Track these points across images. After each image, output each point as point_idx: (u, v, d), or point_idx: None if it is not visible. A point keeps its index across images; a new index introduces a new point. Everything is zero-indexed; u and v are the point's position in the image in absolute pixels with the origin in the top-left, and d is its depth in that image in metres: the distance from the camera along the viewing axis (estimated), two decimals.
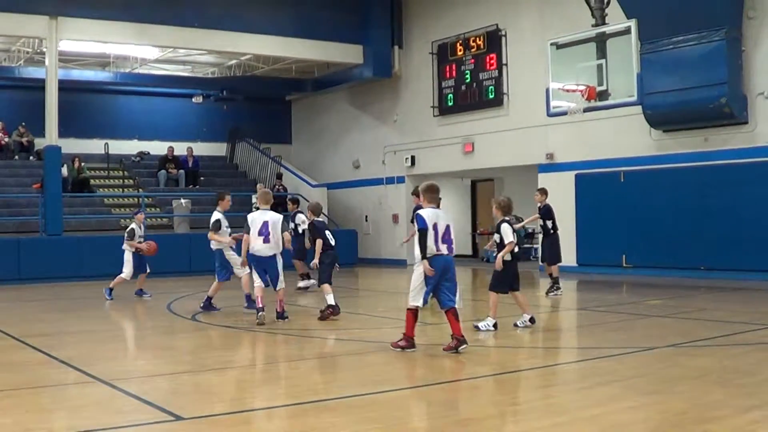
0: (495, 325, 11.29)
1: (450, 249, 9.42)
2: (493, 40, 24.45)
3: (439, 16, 26.41)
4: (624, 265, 20.50)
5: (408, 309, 9.56)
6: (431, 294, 9.60)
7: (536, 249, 26.03)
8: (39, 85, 23.36)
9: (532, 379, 8.29)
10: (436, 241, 9.27)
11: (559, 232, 16.34)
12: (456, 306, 9.55)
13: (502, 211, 11.43)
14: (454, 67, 25.80)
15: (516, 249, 11.31)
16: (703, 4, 17.79)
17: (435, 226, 9.29)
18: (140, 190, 27.65)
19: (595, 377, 8.19)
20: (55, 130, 22.28)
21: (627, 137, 20.60)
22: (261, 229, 12.21)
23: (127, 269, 16.63)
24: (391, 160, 28.29)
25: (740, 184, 17.65)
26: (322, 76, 29.85)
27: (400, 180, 27.93)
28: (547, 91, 18.34)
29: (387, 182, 28.32)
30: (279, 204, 27.93)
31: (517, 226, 15.98)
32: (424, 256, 9.25)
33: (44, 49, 23.04)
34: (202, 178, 29.41)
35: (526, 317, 11.61)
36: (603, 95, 17.27)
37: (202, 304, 14.11)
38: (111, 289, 16.35)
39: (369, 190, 28.75)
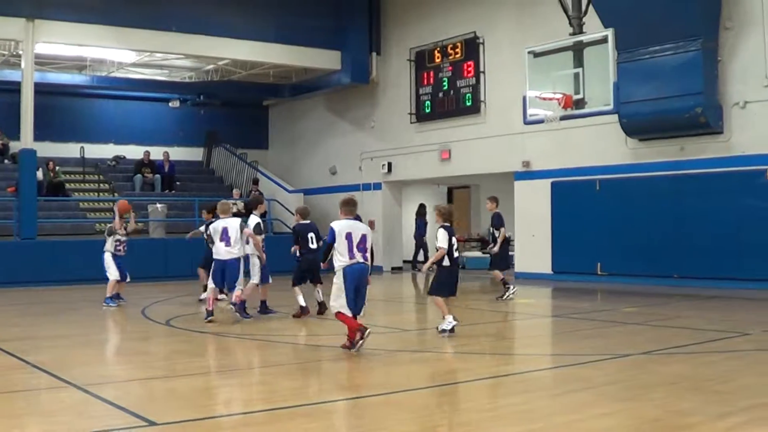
0: (453, 321, 11.42)
1: (365, 257, 9.83)
2: (471, 47, 24.53)
3: (417, 23, 26.46)
4: (599, 272, 20.58)
5: (336, 314, 9.94)
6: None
7: (512, 256, 26.13)
8: (15, 88, 23.22)
9: (506, 385, 8.30)
10: (350, 249, 9.70)
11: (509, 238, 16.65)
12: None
13: (442, 218, 11.67)
14: (431, 74, 25.86)
15: (456, 254, 11.50)
16: (679, 15, 17.91)
17: (349, 236, 9.73)
18: (116, 194, 27.49)
19: (569, 384, 8.21)
20: (31, 133, 22.13)
21: (603, 146, 20.72)
22: (222, 235, 12.85)
23: (112, 271, 16.33)
24: (367, 166, 28.31)
25: (715, 193, 17.77)
26: (299, 81, 29.82)
27: (377, 186, 27.94)
28: (524, 99, 18.39)
29: (364, 189, 28.31)
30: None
31: (495, 250, 16.30)
32: (337, 265, 9.79)
33: (20, 52, 22.91)
34: (178, 183, 29.29)
35: (449, 320, 11.48)
36: (579, 104, 17.32)
37: (259, 311, 13.97)
38: (111, 297, 16.01)
39: (345, 196, 28.69)
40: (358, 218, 10.80)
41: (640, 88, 18.59)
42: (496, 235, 16.67)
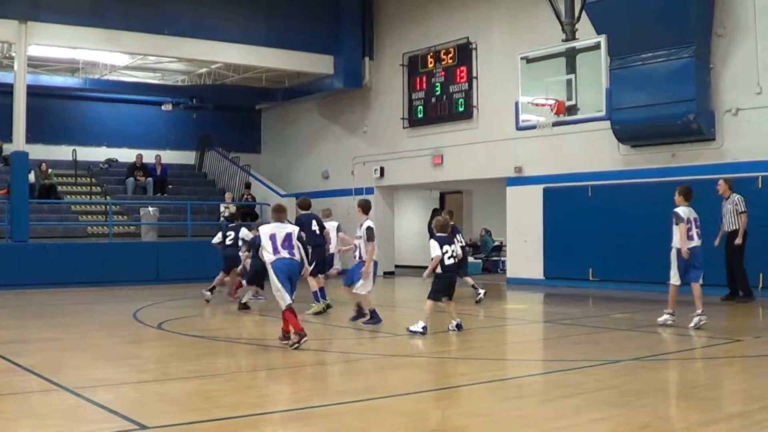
0: (425, 329, 11.92)
1: (291, 253, 11.06)
2: (464, 53, 24.56)
3: (410, 28, 26.50)
4: (591, 278, 20.62)
5: (285, 311, 10.82)
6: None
7: (504, 261, 26.16)
8: (7, 90, 23.16)
9: (497, 391, 8.31)
10: (275, 248, 11.01)
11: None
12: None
13: (437, 229, 12.36)
14: (424, 79, 25.89)
15: (451, 261, 12.09)
16: (672, 22, 17.97)
17: (273, 237, 11.07)
18: (108, 197, 27.47)
19: (560, 389, 8.23)
20: (23, 135, 22.08)
21: (595, 152, 20.76)
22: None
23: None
24: (360, 171, 28.32)
25: (707, 200, 17.76)
26: (292, 85, 29.85)
27: (369, 191, 27.93)
28: (517, 104, 18.41)
29: (356, 193, 28.30)
30: (249, 213, 27.95)
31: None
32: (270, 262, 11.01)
33: (13, 54, 22.88)
34: (170, 186, 29.26)
35: (454, 323, 12.31)
36: (572, 110, 17.33)
37: (363, 320, 13.57)
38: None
39: (338, 200, 28.72)
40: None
41: (632, 95, 18.64)
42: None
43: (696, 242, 13.00)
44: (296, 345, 10.58)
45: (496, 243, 28.88)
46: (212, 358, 10.78)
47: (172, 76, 30.21)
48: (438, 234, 12.27)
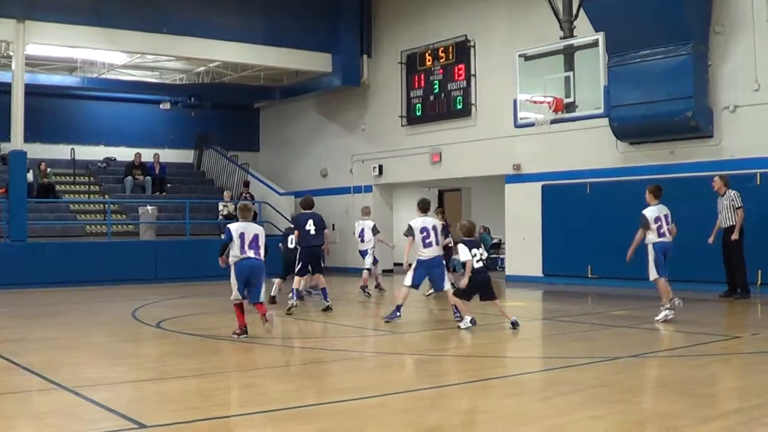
0: (473, 321, 12.38)
1: (257, 254, 11.45)
2: (462, 50, 24.56)
3: (408, 26, 26.49)
4: (589, 275, 20.63)
5: (234, 305, 11.59)
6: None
7: (502, 259, 26.16)
8: (5, 90, 23.14)
9: (496, 388, 8.32)
10: (242, 247, 11.31)
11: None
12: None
13: (463, 233, 12.55)
14: (422, 77, 25.88)
15: (480, 264, 12.31)
16: (670, 19, 17.97)
17: (242, 236, 11.35)
18: (106, 196, 27.47)
19: (558, 387, 8.24)
20: (21, 134, 22.08)
21: (594, 149, 20.77)
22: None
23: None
24: (358, 169, 28.33)
25: (705, 197, 17.78)
26: (290, 84, 29.83)
27: (368, 189, 27.95)
28: (515, 102, 18.40)
29: (354, 191, 28.33)
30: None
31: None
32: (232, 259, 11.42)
33: (11, 53, 22.86)
34: (168, 185, 29.23)
35: (468, 318, 12.51)
36: (570, 107, 17.34)
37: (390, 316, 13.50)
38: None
39: (336, 198, 28.75)
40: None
41: (630, 92, 18.65)
42: None
43: (667, 239, 13.41)
44: (236, 334, 11.48)
45: (495, 240, 28.86)
46: (211, 356, 10.79)
47: (170, 75, 30.17)
48: (465, 238, 12.42)
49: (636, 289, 18.69)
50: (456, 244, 12.96)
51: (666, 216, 13.54)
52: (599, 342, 11.56)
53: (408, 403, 7.60)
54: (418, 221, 13.27)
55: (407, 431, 6.52)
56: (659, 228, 13.37)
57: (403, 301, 13.36)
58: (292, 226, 15.92)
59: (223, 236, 11.79)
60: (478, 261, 12.26)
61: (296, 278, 14.95)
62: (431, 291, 17.16)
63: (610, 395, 7.67)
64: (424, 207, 13.88)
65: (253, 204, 27.60)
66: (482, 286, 12.45)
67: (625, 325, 12.99)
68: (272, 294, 16.26)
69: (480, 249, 12.39)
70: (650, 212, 13.49)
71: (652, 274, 13.34)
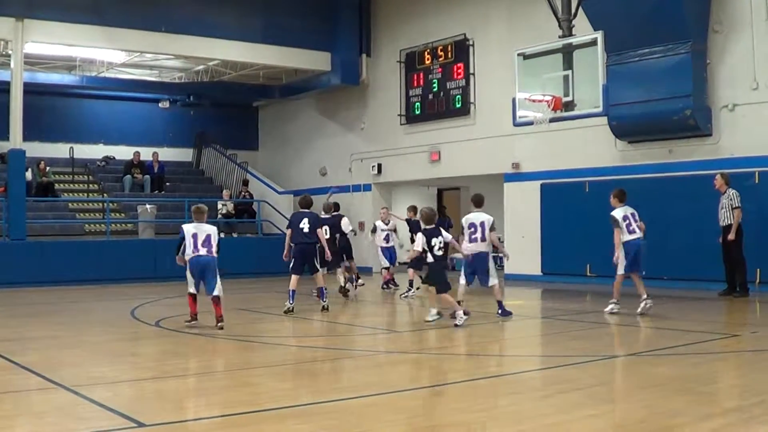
0: (466, 312, 12.68)
1: (209, 251, 12.47)
2: (461, 49, 24.57)
3: (407, 24, 26.49)
4: (588, 274, 20.64)
5: (188, 296, 12.75)
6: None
7: (502, 258, 26.14)
8: (4, 88, 23.14)
9: (494, 386, 8.33)
10: (195, 245, 12.39)
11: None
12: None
13: (425, 221, 12.89)
14: (421, 75, 25.89)
15: (440, 252, 12.64)
16: (669, 17, 17.98)
17: (195, 236, 12.44)
18: (105, 195, 27.46)
19: (557, 385, 8.24)
20: (20, 133, 22.07)
21: (592, 148, 20.78)
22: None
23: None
24: (357, 167, 28.33)
25: (703, 195, 17.80)
26: (289, 82, 29.82)
27: (367, 188, 27.96)
28: (514, 100, 18.41)
29: (353, 190, 28.33)
30: (245, 211, 27.97)
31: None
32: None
33: (9, 52, 22.84)
34: (167, 184, 29.24)
35: (434, 311, 12.96)
36: (569, 106, 17.34)
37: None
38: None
39: (335, 197, 28.71)
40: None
41: (629, 91, 18.65)
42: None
43: (638, 235, 13.93)
44: (187, 322, 12.69)
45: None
46: (209, 355, 10.80)
47: (169, 74, 30.18)
48: (425, 226, 12.71)
49: (634, 287, 18.67)
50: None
51: (633, 214, 14.08)
52: (598, 340, 11.56)
53: (407, 402, 7.60)
54: (619, 211, 14.02)
55: (405, 429, 6.53)
56: (628, 226, 13.90)
57: (461, 298, 13.65)
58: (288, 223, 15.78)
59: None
60: (438, 249, 12.55)
61: (293, 277, 14.85)
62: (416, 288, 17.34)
63: (609, 393, 7.68)
64: (477, 202, 14.18)
65: (253, 202, 27.79)
66: (445, 272, 12.86)
67: (623, 324, 12.99)
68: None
69: (440, 238, 12.58)
70: (618, 212, 14.05)
71: (620, 269, 13.96)
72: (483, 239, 13.45)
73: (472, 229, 13.56)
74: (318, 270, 15.26)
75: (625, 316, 13.64)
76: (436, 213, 13.22)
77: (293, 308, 14.50)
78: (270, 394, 7.96)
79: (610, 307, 13.97)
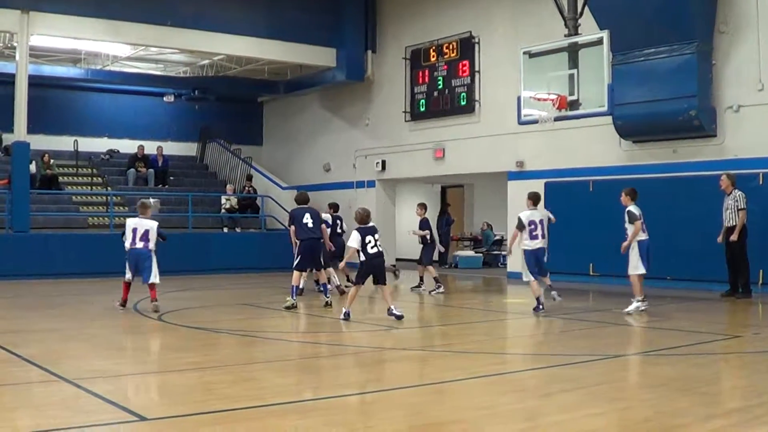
0: (347, 314, 12.93)
1: (145, 245, 13.89)
2: (466, 47, 24.54)
3: (413, 21, 26.47)
4: (591, 273, 20.61)
5: (123, 283, 14.21)
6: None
7: (504, 255, 26.14)
8: (9, 80, 23.17)
9: (497, 384, 8.32)
10: (133, 239, 13.88)
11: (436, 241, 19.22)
12: None
13: (358, 220, 13.23)
14: (426, 72, 25.86)
15: (374, 250, 12.90)
16: (675, 18, 17.95)
17: (134, 230, 13.89)
18: (109, 188, 27.46)
19: (560, 384, 8.24)
20: (24, 125, 22.08)
21: (597, 147, 20.75)
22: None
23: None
24: (361, 164, 28.32)
25: (708, 196, 17.77)
26: (294, 78, 29.81)
27: (371, 184, 27.96)
28: (519, 99, 18.38)
29: (357, 186, 28.33)
30: (249, 206, 27.97)
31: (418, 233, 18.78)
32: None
33: (15, 44, 22.84)
34: (171, 178, 29.25)
35: (393, 309, 12.99)
36: (574, 105, 17.31)
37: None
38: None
39: (339, 193, 28.68)
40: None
41: (634, 90, 18.62)
42: (427, 236, 18.76)
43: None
44: (118, 305, 14.21)
45: (497, 237, 28.88)
46: (212, 349, 10.80)
47: (174, 68, 30.19)
48: (360, 226, 13.08)
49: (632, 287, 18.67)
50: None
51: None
52: (601, 339, 11.55)
53: (408, 399, 7.60)
54: (527, 214, 14.41)
55: (407, 426, 6.52)
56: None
57: (539, 293, 14.32)
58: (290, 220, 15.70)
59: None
60: (373, 247, 12.86)
61: (295, 274, 14.85)
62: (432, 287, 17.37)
63: (612, 393, 7.67)
64: (536, 200, 14.73)
65: (256, 197, 27.79)
66: (376, 269, 13.06)
67: (627, 323, 12.98)
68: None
69: (376, 235, 13.02)
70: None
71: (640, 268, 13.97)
72: (543, 236, 14.25)
73: (533, 226, 14.29)
74: (322, 266, 15.29)
75: (628, 316, 13.62)
76: (370, 213, 13.55)
77: (296, 304, 14.50)
78: (272, 389, 7.96)
79: (636, 305, 13.80)
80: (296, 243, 15.16)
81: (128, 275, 14.09)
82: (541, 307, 14.20)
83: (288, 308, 14.37)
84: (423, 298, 17.25)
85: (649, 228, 14.25)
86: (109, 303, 14.94)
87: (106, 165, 29.49)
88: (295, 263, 14.98)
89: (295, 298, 14.61)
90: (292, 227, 15.19)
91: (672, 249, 18.74)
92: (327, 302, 14.93)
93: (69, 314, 14.44)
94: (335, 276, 17.65)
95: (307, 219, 15.00)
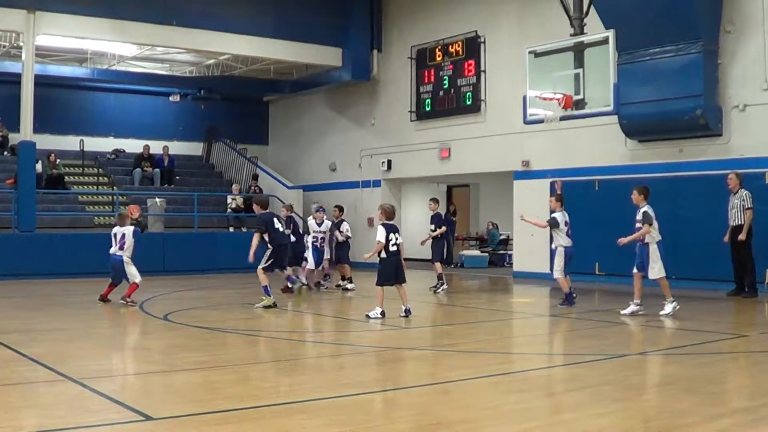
0: (383, 313, 12.91)
1: (119, 251, 14.97)
2: (472, 46, 24.54)
3: (418, 21, 26.47)
4: (597, 272, 20.59)
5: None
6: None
7: (510, 255, 26.14)
8: (15, 80, 23.22)
9: (502, 384, 8.31)
10: (113, 245, 14.94)
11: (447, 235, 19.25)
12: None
13: (385, 216, 13.42)
14: (432, 72, 25.87)
15: (395, 248, 13.09)
16: (680, 17, 17.93)
17: (115, 236, 15.06)
18: (115, 188, 27.51)
19: (565, 383, 8.23)
20: (30, 125, 22.13)
21: (602, 146, 20.74)
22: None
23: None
24: (367, 163, 28.33)
25: (713, 195, 17.76)
26: (300, 77, 29.84)
27: (377, 184, 27.96)
28: (524, 98, 18.38)
29: (363, 186, 28.34)
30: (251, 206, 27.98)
31: (432, 234, 18.52)
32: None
33: (21, 44, 22.90)
34: (177, 178, 29.31)
35: (403, 308, 13.17)
36: (579, 104, 17.30)
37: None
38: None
39: (345, 193, 28.74)
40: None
41: (640, 90, 18.61)
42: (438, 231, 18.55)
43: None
44: (100, 300, 15.05)
45: (503, 236, 28.87)
46: (218, 349, 10.80)
47: (180, 67, 30.23)
48: (385, 221, 13.26)
49: (644, 287, 18.65)
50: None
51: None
52: (606, 339, 11.53)
53: (414, 398, 7.60)
54: (559, 215, 15.12)
55: (413, 425, 6.52)
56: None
57: (569, 286, 14.97)
58: (261, 224, 15.61)
59: None
60: (393, 245, 13.05)
61: (264, 274, 14.96)
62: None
63: (617, 392, 7.66)
64: (562, 201, 15.45)
65: (264, 197, 27.83)
66: (396, 267, 13.20)
67: (632, 323, 12.96)
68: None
69: (398, 234, 13.22)
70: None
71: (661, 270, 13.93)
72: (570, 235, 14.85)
73: (568, 227, 14.95)
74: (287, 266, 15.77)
75: (633, 316, 13.60)
76: (395, 210, 13.88)
77: (275, 302, 14.77)
78: (277, 388, 7.96)
79: (670, 307, 13.54)
80: (268, 247, 15.29)
81: (111, 277, 15.34)
82: (574, 295, 14.97)
83: (267, 307, 14.46)
84: (435, 298, 17.21)
85: None
86: (115, 303, 14.97)
87: (112, 164, 29.56)
88: (266, 265, 15.07)
89: (271, 296, 14.72)
90: (263, 231, 15.20)
91: (678, 248, 18.69)
92: (290, 288, 16.22)
93: (75, 314, 14.46)
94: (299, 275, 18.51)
95: (278, 223, 15.29)
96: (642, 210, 13.72)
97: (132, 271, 15.03)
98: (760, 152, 17.86)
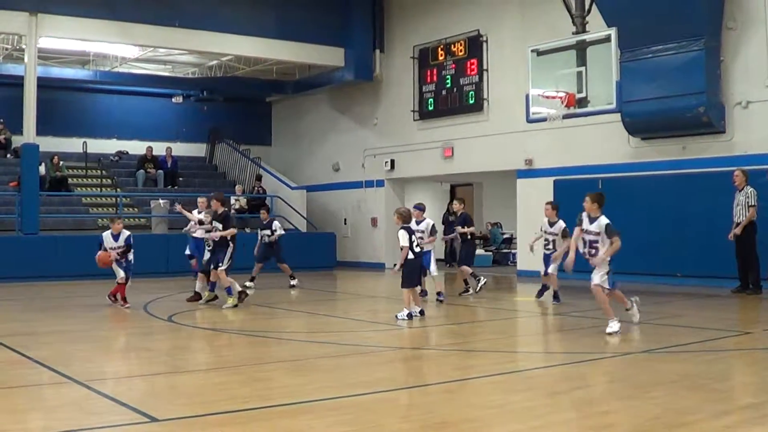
0: (410, 315, 12.87)
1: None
2: (474, 45, 24.53)
3: (421, 20, 26.47)
4: None
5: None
6: None
7: (515, 254, 26.13)
8: (18, 82, 23.22)
9: (506, 383, 8.31)
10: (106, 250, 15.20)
11: (476, 239, 19.16)
12: None
13: (402, 220, 13.23)
14: (435, 71, 25.86)
15: (417, 249, 13.12)
16: (682, 14, 17.92)
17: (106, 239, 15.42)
18: (118, 189, 27.52)
19: (570, 382, 8.23)
20: (33, 127, 22.14)
21: (605, 144, 20.72)
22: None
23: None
24: (370, 163, 28.32)
25: (717, 192, 17.76)
26: (302, 78, 29.85)
27: (380, 183, 27.96)
28: (527, 97, 18.39)
29: (366, 185, 28.34)
30: (258, 206, 27.93)
31: (452, 235, 18.38)
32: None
33: (23, 46, 22.91)
34: (180, 179, 29.32)
35: (416, 309, 13.15)
36: (582, 102, 17.32)
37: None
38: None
39: (348, 193, 28.76)
40: None
41: (642, 87, 18.60)
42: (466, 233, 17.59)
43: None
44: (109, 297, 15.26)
45: (506, 235, 28.86)
46: (222, 350, 10.81)
47: (182, 69, 30.24)
48: (404, 225, 13.19)
49: (647, 284, 18.65)
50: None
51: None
52: (610, 337, 11.52)
53: (420, 398, 7.61)
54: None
55: (418, 425, 6.52)
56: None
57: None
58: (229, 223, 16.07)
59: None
60: (417, 246, 13.15)
61: (226, 276, 15.23)
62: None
63: (621, 391, 7.66)
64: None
65: (266, 197, 27.83)
66: (419, 269, 13.43)
67: (637, 321, 12.94)
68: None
69: (415, 236, 13.26)
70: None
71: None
72: None
73: None
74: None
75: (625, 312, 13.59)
76: (411, 213, 13.89)
77: (242, 297, 15.27)
78: (282, 389, 7.96)
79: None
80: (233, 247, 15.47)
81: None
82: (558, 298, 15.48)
83: (234, 306, 14.72)
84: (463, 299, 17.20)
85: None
86: (120, 305, 14.98)
87: (116, 166, 29.57)
88: (226, 266, 15.26)
89: (234, 294, 15.02)
90: (235, 230, 15.48)
91: (681, 245, 18.74)
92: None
93: (79, 316, 14.46)
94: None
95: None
96: (606, 223, 12.68)
97: (120, 274, 15.44)
98: (763, 149, 17.85)
